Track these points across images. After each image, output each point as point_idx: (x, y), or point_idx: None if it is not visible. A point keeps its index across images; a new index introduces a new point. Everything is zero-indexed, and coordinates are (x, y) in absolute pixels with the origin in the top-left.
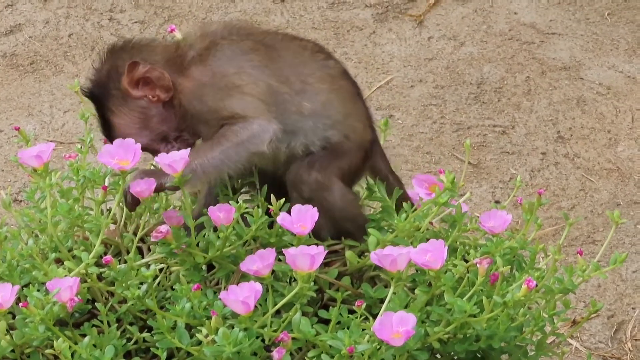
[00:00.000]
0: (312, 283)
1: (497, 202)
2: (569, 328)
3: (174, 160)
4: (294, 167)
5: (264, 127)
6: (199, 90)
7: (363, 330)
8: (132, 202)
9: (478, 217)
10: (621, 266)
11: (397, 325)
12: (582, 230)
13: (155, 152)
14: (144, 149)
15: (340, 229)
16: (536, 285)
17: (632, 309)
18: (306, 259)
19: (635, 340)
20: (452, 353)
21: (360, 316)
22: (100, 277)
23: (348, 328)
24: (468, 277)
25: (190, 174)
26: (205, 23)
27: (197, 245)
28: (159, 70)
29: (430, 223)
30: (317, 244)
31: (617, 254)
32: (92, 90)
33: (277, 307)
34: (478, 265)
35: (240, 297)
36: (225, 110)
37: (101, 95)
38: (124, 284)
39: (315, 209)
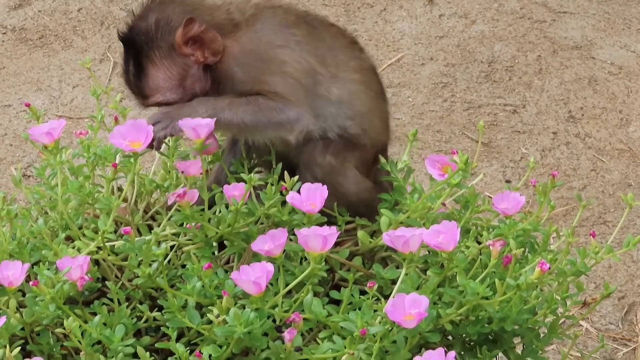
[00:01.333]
0: (323, 263)
1: (507, 181)
2: (580, 309)
3: (199, 124)
4: (308, 148)
5: (300, 116)
6: (244, 57)
7: (375, 311)
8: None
9: (489, 196)
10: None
11: (409, 307)
12: (594, 210)
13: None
14: (167, 104)
15: (354, 213)
16: (549, 268)
17: None
18: (318, 239)
19: None
20: (464, 335)
21: (372, 297)
22: (110, 254)
23: (359, 309)
24: (481, 259)
25: (212, 114)
26: None
27: (209, 221)
28: (213, 32)
29: (443, 204)
30: (329, 224)
31: (630, 237)
32: (134, 37)
33: (288, 287)
34: (491, 247)
35: (252, 277)
36: (267, 85)
37: (145, 43)
38: (136, 260)
39: (325, 187)
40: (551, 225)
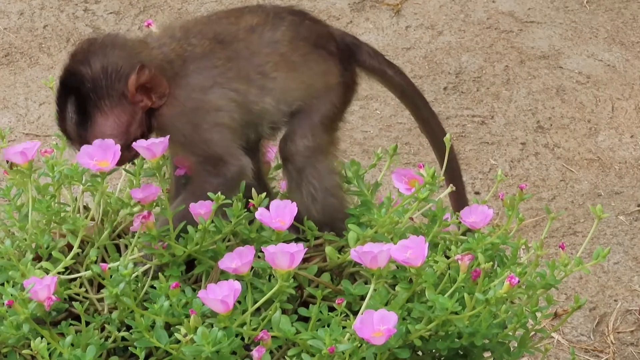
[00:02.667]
0: (291, 280)
1: (477, 193)
2: (551, 321)
3: (154, 143)
4: (281, 143)
5: (240, 167)
6: (183, 107)
7: (344, 328)
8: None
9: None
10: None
11: (378, 323)
12: (563, 221)
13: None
14: None
15: (326, 203)
16: (518, 282)
17: (615, 301)
18: (285, 256)
19: (618, 332)
20: (433, 350)
21: (341, 314)
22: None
23: (328, 326)
24: (449, 274)
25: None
26: (164, 25)
27: (177, 239)
28: (160, 76)
29: (411, 218)
30: (296, 240)
31: (600, 249)
32: (78, 84)
33: (256, 305)
34: (459, 262)
35: (219, 296)
36: (206, 146)
37: (92, 91)
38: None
39: (295, 204)
40: (520, 238)
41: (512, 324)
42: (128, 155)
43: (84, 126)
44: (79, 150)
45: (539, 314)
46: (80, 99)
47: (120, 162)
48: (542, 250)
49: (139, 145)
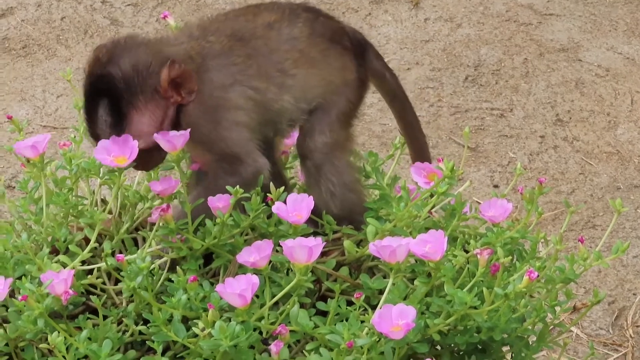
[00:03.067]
0: (310, 274)
1: (495, 186)
2: (570, 315)
3: (174, 136)
4: (299, 139)
5: (257, 167)
6: (205, 105)
7: (362, 322)
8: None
9: (477, 202)
10: None
11: (396, 318)
12: (582, 214)
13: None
14: (146, 150)
15: (345, 199)
16: (537, 276)
17: (633, 294)
18: (304, 250)
19: (637, 326)
20: (452, 345)
21: (359, 308)
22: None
23: (347, 320)
24: (468, 268)
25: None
26: (184, 24)
27: (195, 233)
28: (189, 70)
29: (430, 212)
30: (314, 234)
31: (619, 243)
32: (109, 85)
33: (274, 299)
34: (478, 256)
35: (237, 290)
36: (225, 144)
37: (125, 90)
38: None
39: (311, 198)
40: (539, 231)
41: (530, 318)
42: (159, 156)
43: (119, 127)
44: None
45: (557, 308)
46: (113, 100)
47: (153, 165)
48: (561, 244)
49: (160, 137)
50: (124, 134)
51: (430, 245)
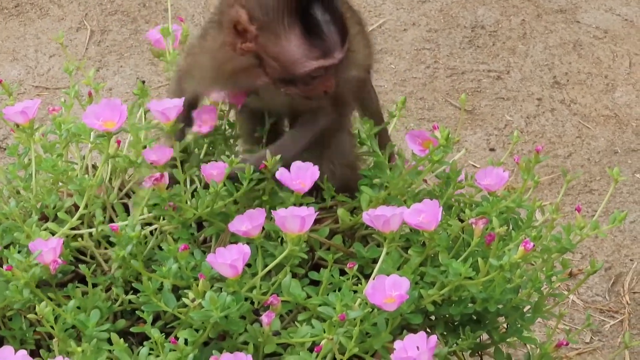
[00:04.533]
0: (303, 244)
1: (492, 149)
2: (566, 281)
3: (167, 107)
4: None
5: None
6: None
7: (355, 292)
8: None
9: (473, 165)
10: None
11: (390, 289)
12: (579, 179)
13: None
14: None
15: (344, 176)
16: (533, 247)
17: (630, 260)
18: (296, 220)
19: (634, 293)
20: (446, 315)
21: (352, 277)
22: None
23: (339, 290)
24: (463, 238)
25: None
26: None
27: (187, 202)
28: None
29: (424, 180)
30: (307, 204)
31: (617, 212)
32: None
33: (266, 270)
34: (474, 226)
35: (228, 260)
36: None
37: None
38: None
39: (317, 167)
40: (535, 200)
41: (526, 289)
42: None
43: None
44: (332, 58)
45: (554, 278)
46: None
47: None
48: (558, 214)
49: (153, 108)
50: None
51: (425, 215)
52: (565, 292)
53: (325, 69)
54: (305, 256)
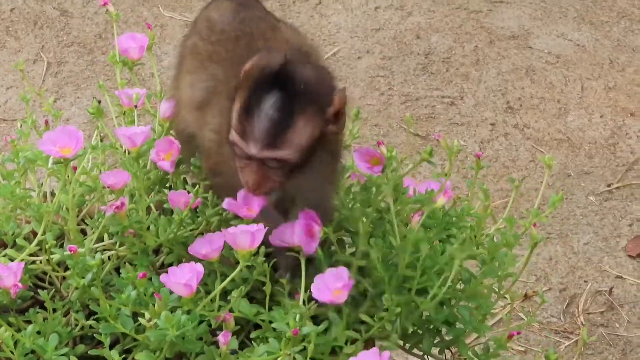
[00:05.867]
0: (262, 264)
1: (446, 174)
2: (521, 302)
3: (135, 133)
4: None
5: None
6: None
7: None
8: None
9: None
10: (573, 239)
11: (333, 282)
12: (533, 202)
13: None
14: (282, 161)
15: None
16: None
17: (585, 281)
18: (246, 236)
19: (588, 314)
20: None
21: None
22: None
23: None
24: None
25: None
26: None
27: (148, 228)
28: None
29: None
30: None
31: (553, 196)
32: (296, 83)
33: (219, 287)
34: (411, 221)
35: (182, 279)
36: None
37: (305, 94)
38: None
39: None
40: (486, 208)
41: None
42: (278, 181)
43: (279, 126)
44: (253, 151)
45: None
46: (291, 99)
47: (268, 188)
48: (512, 226)
49: (120, 132)
50: (281, 135)
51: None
52: (521, 315)
53: (245, 156)
54: (265, 279)
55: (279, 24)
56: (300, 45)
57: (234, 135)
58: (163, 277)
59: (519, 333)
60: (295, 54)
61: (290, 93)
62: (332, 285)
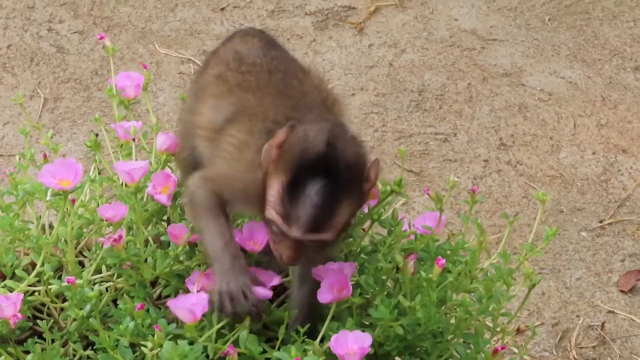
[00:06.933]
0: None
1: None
2: (514, 337)
3: (134, 169)
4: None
5: None
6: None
7: (304, 351)
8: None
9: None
10: (565, 274)
11: (352, 343)
12: (526, 237)
13: None
14: (320, 242)
15: None
16: (444, 264)
17: (577, 316)
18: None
19: (580, 348)
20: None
21: (303, 335)
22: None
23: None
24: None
25: None
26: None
27: (145, 261)
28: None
29: (363, 229)
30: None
31: (548, 229)
32: (341, 170)
33: (221, 324)
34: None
35: (187, 305)
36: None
37: (348, 180)
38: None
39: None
40: (484, 245)
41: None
42: (317, 255)
43: (327, 213)
44: (295, 234)
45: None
46: (337, 186)
47: (303, 260)
48: (507, 259)
49: (119, 167)
50: (327, 221)
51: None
52: (514, 349)
53: (282, 234)
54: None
55: (308, 68)
56: (326, 95)
57: (273, 215)
58: (170, 302)
59: None
60: (333, 129)
61: (335, 179)
62: (350, 345)
